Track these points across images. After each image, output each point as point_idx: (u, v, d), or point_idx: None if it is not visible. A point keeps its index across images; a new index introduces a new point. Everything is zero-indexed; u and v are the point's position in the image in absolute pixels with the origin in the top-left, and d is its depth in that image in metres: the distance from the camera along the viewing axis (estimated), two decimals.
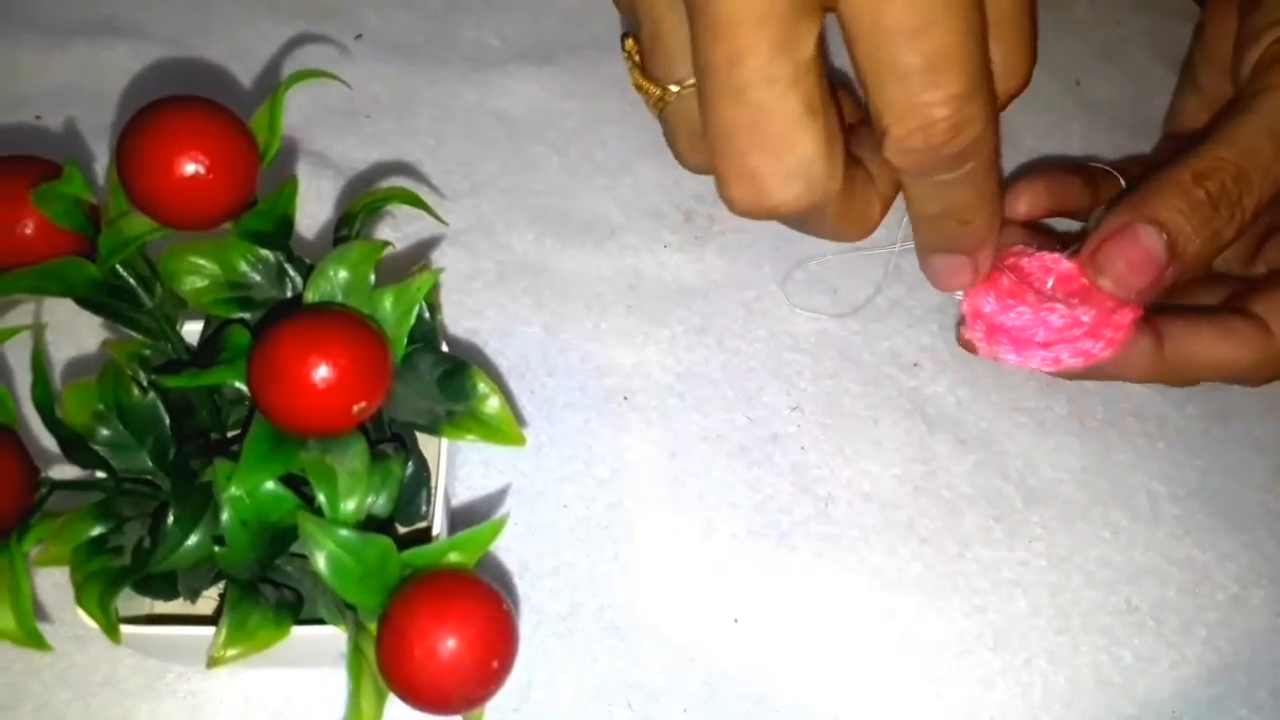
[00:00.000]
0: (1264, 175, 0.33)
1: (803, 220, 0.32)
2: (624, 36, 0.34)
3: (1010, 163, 0.43)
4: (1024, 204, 0.38)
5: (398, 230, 0.40)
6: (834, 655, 0.33)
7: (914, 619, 0.34)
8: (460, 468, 0.36)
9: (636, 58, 0.33)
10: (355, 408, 0.24)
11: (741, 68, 0.27)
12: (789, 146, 0.28)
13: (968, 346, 0.36)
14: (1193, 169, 0.33)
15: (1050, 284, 0.35)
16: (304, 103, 0.43)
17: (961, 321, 0.36)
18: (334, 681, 0.32)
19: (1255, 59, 0.36)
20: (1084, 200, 0.39)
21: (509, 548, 0.35)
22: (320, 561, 0.24)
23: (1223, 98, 0.38)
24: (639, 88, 0.33)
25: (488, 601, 0.24)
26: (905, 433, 0.37)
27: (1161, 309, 0.35)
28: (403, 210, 0.40)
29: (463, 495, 0.36)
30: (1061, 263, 0.35)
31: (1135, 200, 0.34)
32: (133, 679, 0.32)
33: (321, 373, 0.23)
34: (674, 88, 0.32)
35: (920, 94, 0.27)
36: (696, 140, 0.32)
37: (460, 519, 0.35)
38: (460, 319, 0.39)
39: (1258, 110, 0.34)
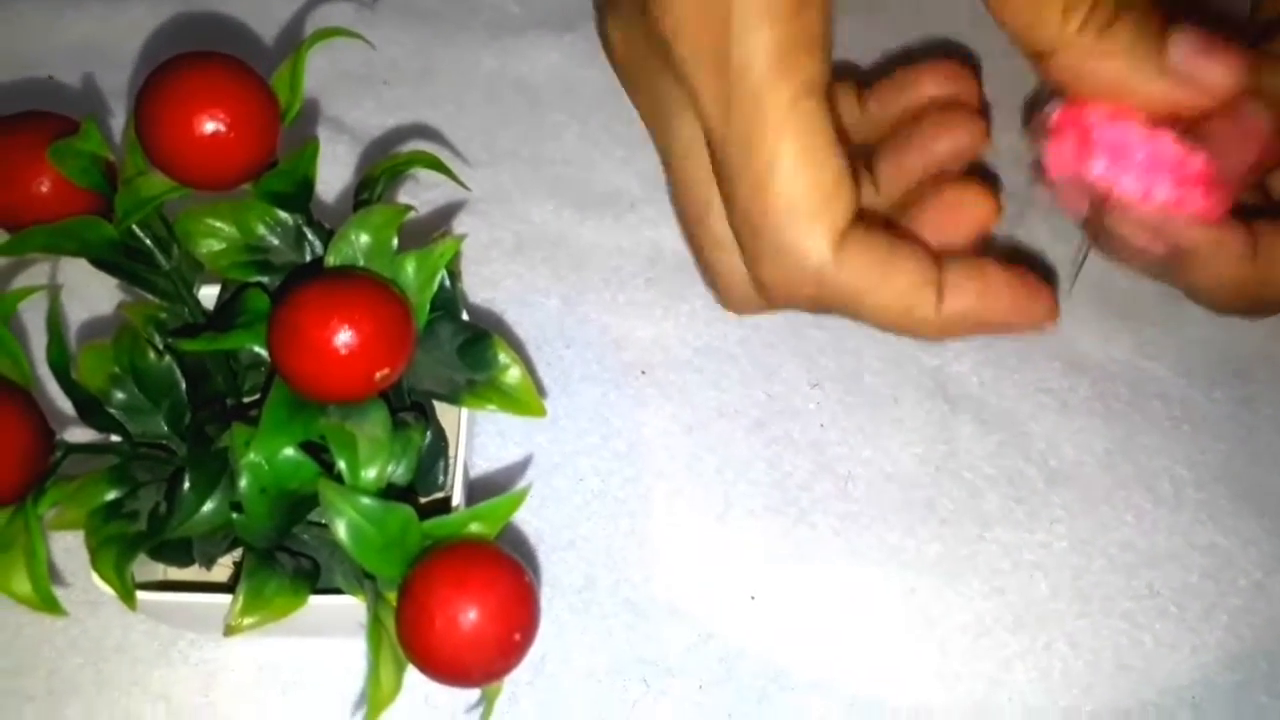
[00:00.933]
0: None
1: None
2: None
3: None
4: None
5: (415, 197, 0.40)
6: (851, 634, 0.33)
7: (933, 599, 0.34)
8: (476, 438, 0.36)
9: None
10: (378, 374, 0.24)
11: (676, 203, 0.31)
12: (716, 275, 0.30)
13: (1040, 171, 0.30)
14: None
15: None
16: (321, 66, 0.42)
17: (1040, 136, 0.30)
18: (348, 650, 0.32)
19: None
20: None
21: (524, 520, 0.34)
22: (341, 530, 0.23)
23: None
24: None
25: (510, 573, 0.24)
26: (927, 412, 0.37)
27: (1257, 217, 0.30)
28: (422, 176, 0.40)
29: (479, 466, 0.35)
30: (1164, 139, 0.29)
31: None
32: (146, 645, 0.32)
33: (344, 338, 0.23)
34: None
35: (745, 244, 0.28)
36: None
37: (476, 490, 0.35)
38: (477, 289, 0.38)
39: None
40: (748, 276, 0.29)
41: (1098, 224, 0.30)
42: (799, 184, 0.27)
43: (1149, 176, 0.29)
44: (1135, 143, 0.29)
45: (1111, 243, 0.31)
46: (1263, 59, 0.31)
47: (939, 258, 0.28)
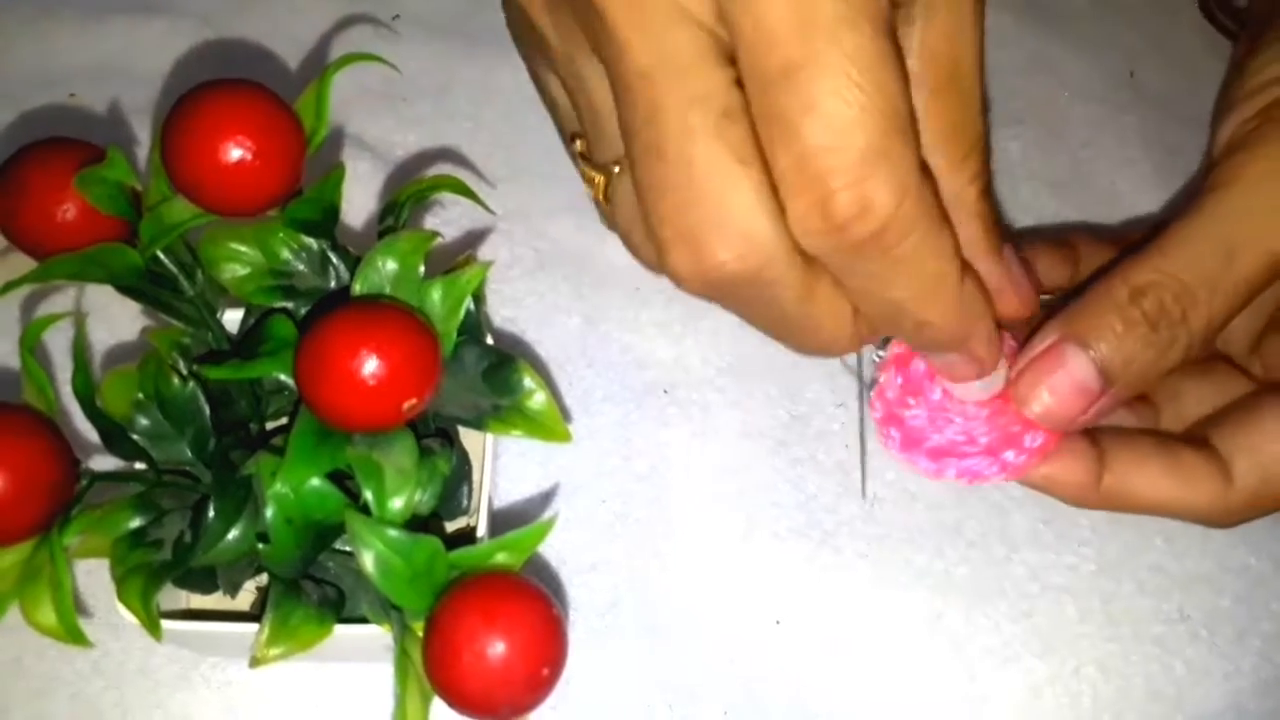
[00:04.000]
0: (1211, 291, 0.28)
1: (755, 300, 0.26)
2: (573, 136, 0.30)
3: (1067, 158, 0.42)
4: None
5: (436, 216, 0.40)
6: (878, 659, 0.33)
7: (960, 623, 0.33)
8: (497, 459, 0.35)
9: (581, 149, 0.30)
10: (405, 404, 0.23)
11: (657, 124, 0.24)
12: (721, 199, 0.24)
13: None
14: (1130, 283, 0.28)
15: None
16: (341, 83, 0.41)
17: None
18: (371, 676, 0.31)
19: (1225, 138, 0.31)
20: (1061, 275, 0.34)
21: (547, 542, 0.34)
22: (369, 562, 0.23)
23: None
24: (585, 179, 0.30)
25: (537, 605, 0.23)
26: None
27: (1109, 432, 0.31)
28: (444, 196, 0.40)
29: (500, 486, 0.35)
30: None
31: (1066, 316, 0.29)
32: (167, 668, 0.32)
33: (372, 368, 0.23)
34: (615, 168, 0.28)
35: (815, 159, 0.23)
36: (639, 224, 0.28)
37: (498, 512, 0.35)
38: (498, 307, 0.38)
39: (1210, 213, 0.29)
40: (765, 210, 0.25)
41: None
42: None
43: (940, 462, 0.30)
44: (922, 428, 0.30)
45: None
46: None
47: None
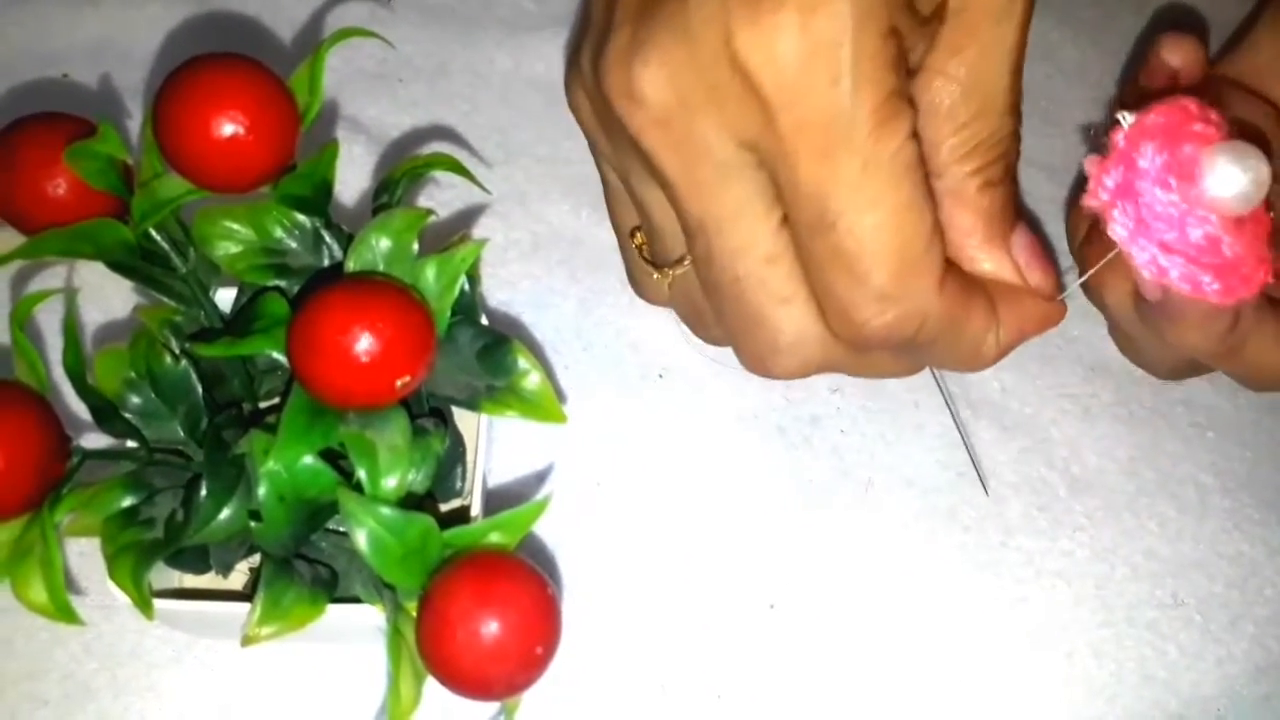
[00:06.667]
0: None
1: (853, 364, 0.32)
2: (632, 231, 0.34)
3: (1063, 144, 0.42)
4: (1177, 55, 0.32)
5: (432, 198, 0.39)
6: (871, 643, 0.33)
7: (954, 608, 0.33)
8: (491, 441, 0.35)
9: (640, 242, 0.34)
10: (399, 382, 0.23)
11: (712, 266, 0.29)
12: (772, 330, 0.30)
13: (1081, 208, 0.30)
14: None
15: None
16: (336, 64, 0.42)
17: (1095, 151, 0.29)
18: (364, 656, 0.31)
19: None
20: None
21: (540, 523, 0.34)
22: (361, 540, 0.23)
23: None
24: (645, 275, 0.34)
25: (532, 585, 0.23)
26: (948, 417, 0.36)
27: None
28: (439, 177, 0.39)
29: (494, 469, 0.35)
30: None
31: None
32: (160, 650, 0.32)
33: (365, 345, 0.23)
34: (677, 269, 0.32)
35: (844, 303, 0.28)
36: (705, 315, 0.33)
37: (493, 493, 0.34)
38: (494, 290, 0.38)
39: None
40: (814, 328, 0.30)
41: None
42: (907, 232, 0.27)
43: (1168, 258, 0.28)
44: (1168, 218, 0.28)
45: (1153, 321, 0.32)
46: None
47: (993, 300, 0.30)
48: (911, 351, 0.30)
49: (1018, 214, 0.31)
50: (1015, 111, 0.30)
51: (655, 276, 0.33)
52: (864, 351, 0.30)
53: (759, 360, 0.31)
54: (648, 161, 0.28)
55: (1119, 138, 0.28)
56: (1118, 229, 0.28)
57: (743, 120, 0.26)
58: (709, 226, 0.28)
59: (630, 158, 0.30)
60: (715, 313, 0.31)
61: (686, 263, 0.32)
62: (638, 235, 0.34)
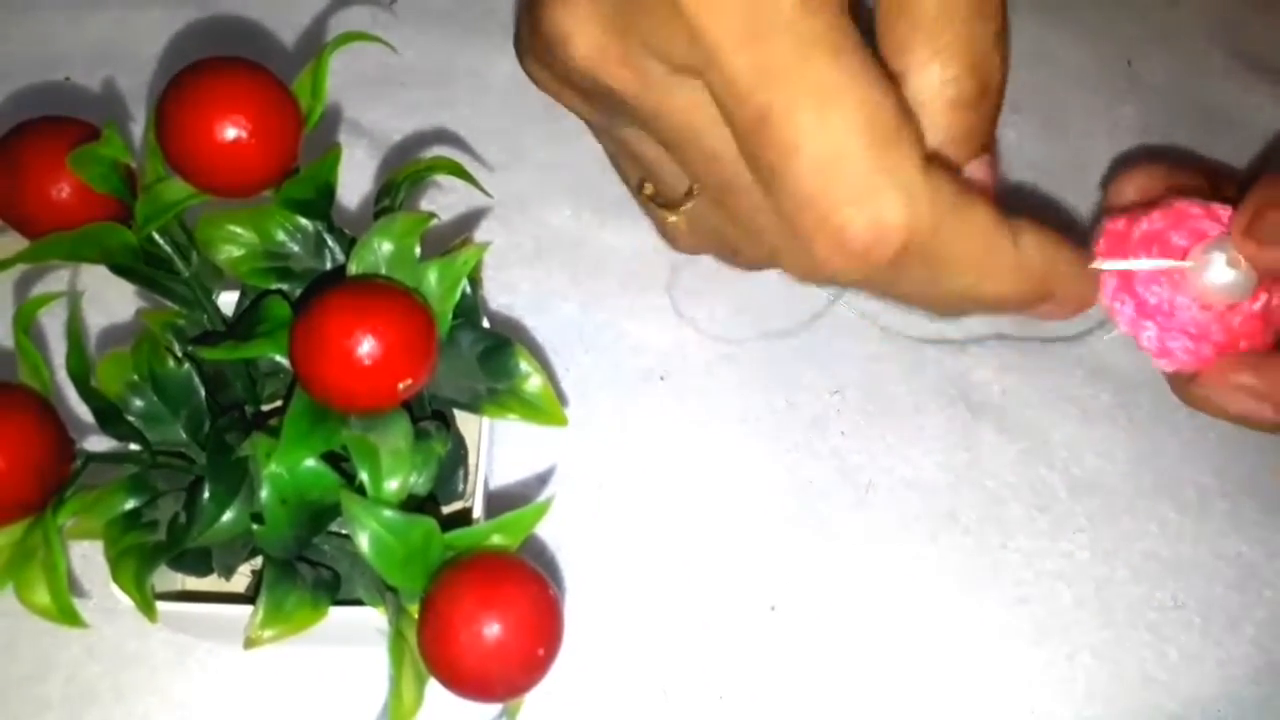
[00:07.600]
0: None
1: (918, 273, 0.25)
2: (639, 185, 0.33)
3: (1064, 147, 0.42)
4: (1132, 187, 0.30)
5: (434, 202, 0.39)
6: (872, 645, 0.33)
7: (954, 610, 0.33)
8: (493, 444, 0.35)
9: (650, 191, 0.32)
10: (401, 385, 0.23)
11: (707, 182, 0.27)
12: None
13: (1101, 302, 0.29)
14: None
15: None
16: (338, 68, 0.41)
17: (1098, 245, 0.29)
18: (366, 659, 0.31)
19: None
20: (1202, 193, 0.32)
21: (542, 526, 0.33)
22: (363, 542, 0.23)
23: None
24: (664, 222, 0.32)
25: (533, 586, 0.23)
26: (948, 419, 0.36)
27: None
28: (441, 181, 0.40)
29: (496, 472, 0.35)
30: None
31: None
32: (163, 653, 0.32)
33: (368, 348, 0.23)
34: (687, 204, 0.30)
35: (813, 201, 0.23)
36: (708, 236, 0.31)
37: (495, 495, 0.35)
38: (495, 294, 0.38)
39: None
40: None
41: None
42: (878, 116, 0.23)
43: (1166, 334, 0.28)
44: (1164, 303, 0.28)
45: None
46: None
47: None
48: (913, 269, 0.25)
49: (994, 159, 0.27)
50: (986, 16, 0.25)
51: (672, 219, 0.31)
52: (858, 278, 0.25)
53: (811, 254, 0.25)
54: (611, 98, 0.26)
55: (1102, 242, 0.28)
56: (1121, 321, 0.28)
57: (665, 28, 0.24)
58: (684, 139, 0.26)
59: (600, 106, 0.28)
60: (741, 233, 0.28)
61: (695, 194, 0.30)
62: (646, 186, 0.32)
